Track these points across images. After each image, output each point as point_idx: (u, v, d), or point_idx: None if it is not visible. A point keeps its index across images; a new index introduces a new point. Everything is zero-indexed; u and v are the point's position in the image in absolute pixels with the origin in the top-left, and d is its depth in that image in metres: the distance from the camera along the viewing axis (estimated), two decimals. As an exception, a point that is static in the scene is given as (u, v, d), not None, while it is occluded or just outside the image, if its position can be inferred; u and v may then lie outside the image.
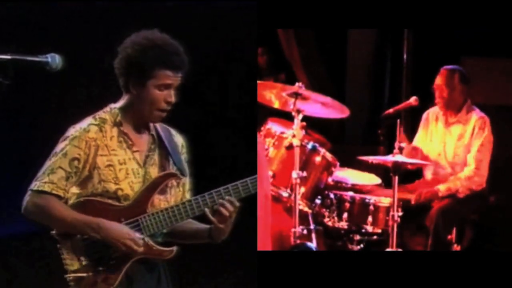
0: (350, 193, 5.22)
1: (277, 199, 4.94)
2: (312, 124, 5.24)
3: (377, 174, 5.51)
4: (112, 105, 3.03)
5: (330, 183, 5.23)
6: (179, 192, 3.10)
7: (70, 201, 2.96)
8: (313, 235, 4.96)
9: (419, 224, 5.23)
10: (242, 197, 3.00)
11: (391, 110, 5.31)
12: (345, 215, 5.14)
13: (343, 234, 5.20)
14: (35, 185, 2.92)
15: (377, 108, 6.77)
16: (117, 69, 2.98)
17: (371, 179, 5.48)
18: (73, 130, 2.96)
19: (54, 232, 2.97)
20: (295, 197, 4.77)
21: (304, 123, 4.90)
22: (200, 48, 3.59)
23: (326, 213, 5.17)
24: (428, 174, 5.50)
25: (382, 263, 4.11)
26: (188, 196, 3.10)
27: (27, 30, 4.52)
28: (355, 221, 5.14)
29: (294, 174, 4.81)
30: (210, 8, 4.74)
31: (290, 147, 4.93)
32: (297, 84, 4.91)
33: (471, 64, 6.21)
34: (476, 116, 5.32)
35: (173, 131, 3.13)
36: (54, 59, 2.72)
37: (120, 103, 3.02)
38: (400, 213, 4.83)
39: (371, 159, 4.97)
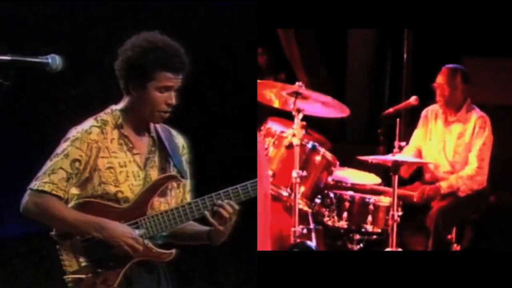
0: (350, 193, 5.22)
1: (277, 198, 4.94)
2: (312, 123, 5.24)
3: (377, 174, 5.51)
4: (113, 107, 3.02)
5: (330, 183, 5.23)
6: (180, 193, 3.09)
7: (70, 202, 2.95)
8: (313, 235, 4.96)
9: (419, 224, 5.22)
10: (242, 200, 3.00)
11: (391, 110, 5.31)
12: (345, 214, 5.13)
13: (343, 234, 5.19)
14: (35, 184, 2.91)
15: (377, 107, 6.77)
16: (118, 71, 2.97)
17: (371, 179, 5.47)
18: (75, 132, 2.95)
19: (53, 232, 2.96)
20: (295, 196, 4.77)
21: (304, 123, 4.90)
22: (200, 48, 3.59)
23: (326, 213, 5.17)
24: (427, 173, 5.49)
25: (382, 263, 4.10)
26: (188, 197, 3.10)
27: (27, 30, 4.52)
28: (355, 220, 5.14)
29: (294, 174, 4.81)
30: (210, 8, 4.74)
31: (290, 146, 4.93)
32: (297, 83, 4.91)
33: (471, 64, 6.20)
34: (476, 115, 5.31)
35: (174, 132, 3.13)
36: (55, 60, 2.71)
37: (121, 105, 3.01)
38: (400, 213, 4.83)
39: (371, 158, 4.96)
